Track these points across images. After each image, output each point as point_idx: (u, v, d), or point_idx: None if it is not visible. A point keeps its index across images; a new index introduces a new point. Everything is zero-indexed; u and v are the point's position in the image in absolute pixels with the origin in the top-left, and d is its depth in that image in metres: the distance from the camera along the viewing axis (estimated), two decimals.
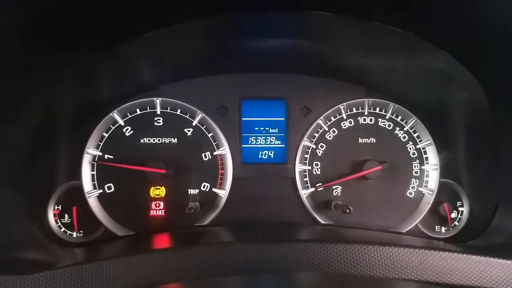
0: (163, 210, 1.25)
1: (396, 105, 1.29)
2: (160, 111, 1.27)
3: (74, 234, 1.22)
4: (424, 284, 0.80)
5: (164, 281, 0.76)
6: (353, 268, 0.83)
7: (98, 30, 0.92)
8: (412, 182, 1.29)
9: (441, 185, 1.28)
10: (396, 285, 0.74)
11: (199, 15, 0.93)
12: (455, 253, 0.85)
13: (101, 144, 1.24)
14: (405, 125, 1.30)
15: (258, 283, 0.68)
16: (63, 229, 1.22)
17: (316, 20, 0.98)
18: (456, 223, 1.28)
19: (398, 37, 1.00)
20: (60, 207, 1.22)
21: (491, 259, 0.85)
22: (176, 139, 1.26)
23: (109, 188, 1.24)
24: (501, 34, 0.87)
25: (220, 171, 1.28)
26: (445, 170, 1.28)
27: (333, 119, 1.30)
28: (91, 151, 1.23)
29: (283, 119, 1.31)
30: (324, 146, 1.30)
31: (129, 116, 1.26)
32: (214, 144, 1.28)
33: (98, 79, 1.18)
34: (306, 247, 0.83)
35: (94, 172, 1.24)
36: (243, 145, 1.31)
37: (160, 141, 1.26)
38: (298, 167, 1.29)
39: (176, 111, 1.27)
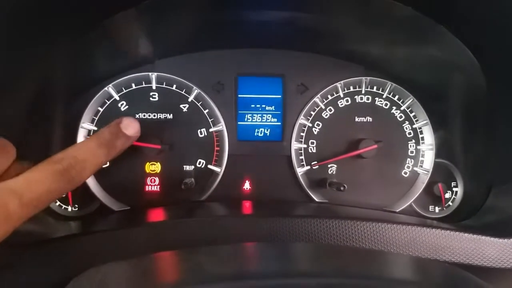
0: (158, 186, 1.25)
1: (394, 84, 1.29)
2: (156, 86, 1.25)
3: (69, 208, 1.22)
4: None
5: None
6: (346, 244, 0.84)
7: (93, 1, 0.90)
8: (407, 162, 1.29)
9: (436, 165, 1.28)
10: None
11: None
12: (447, 231, 0.86)
13: (96, 118, 1.23)
14: (402, 105, 1.29)
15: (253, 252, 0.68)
16: (58, 203, 1.21)
17: None
18: (450, 203, 1.29)
19: (399, 14, 0.99)
20: None
21: (483, 237, 0.86)
22: (171, 115, 1.26)
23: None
24: (503, 13, 0.86)
25: (216, 148, 1.27)
26: (441, 151, 1.29)
27: (330, 97, 1.30)
28: (86, 126, 1.22)
29: (279, 96, 1.30)
30: (320, 124, 1.29)
31: (124, 91, 1.25)
32: (210, 120, 1.27)
33: (93, 53, 1.16)
34: (300, 222, 0.84)
35: None
36: (239, 122, 1.30)
37: (156, 117, 1.25)
38: (294, 145, 1.29)
39: (172, 87, 1.26)
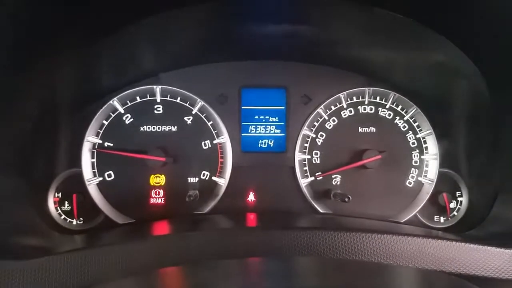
0: (163, 198, 1.26)
1: (397, 94, 1.29)
2: (160, 99, 1.26)
3: (74, 222, 1.23)
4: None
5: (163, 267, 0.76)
6: (351, 255, 0.83)
7: (98, 15, 0.91)
8: (411, 172, 1.29)
9: (441, 175, 1.28)
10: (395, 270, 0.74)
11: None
12: (453, 242, 0.85)
13: (101, 131, 1.24)
14: (405, 115, 1.29)
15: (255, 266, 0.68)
16: (63, 216, 1.22)
17: (317, 5, 0.98)
18: (455, 213, 1.28)
19: (400, 25, 1.00)
20: (60, 195, 1.22)
21: (489, 248, 0.85)
22: (176, 127, 1.26)
23: (109, 176, 1.24)
24: (503, 21, 0.86)
25: (220, 160, 1.28)
26: (445, 160, 1.28)
27: (333, 108, 1.30)
28: (91, 139, 1.23)
29: (283, 107, 1.31)
30: (324, 135, 1.30)
31: (129, 104, 1.26)
32: (214, 132, 1.28)
33: (98, 66, 1.17)
34: (305, 234, 0.83)
35: (94, 160, 1.24)
36: (243, 134, 1.30)
37: (160, 129, 1.26)
38: (298, 156, 1.29)
39: (176, 99, 1.27)
